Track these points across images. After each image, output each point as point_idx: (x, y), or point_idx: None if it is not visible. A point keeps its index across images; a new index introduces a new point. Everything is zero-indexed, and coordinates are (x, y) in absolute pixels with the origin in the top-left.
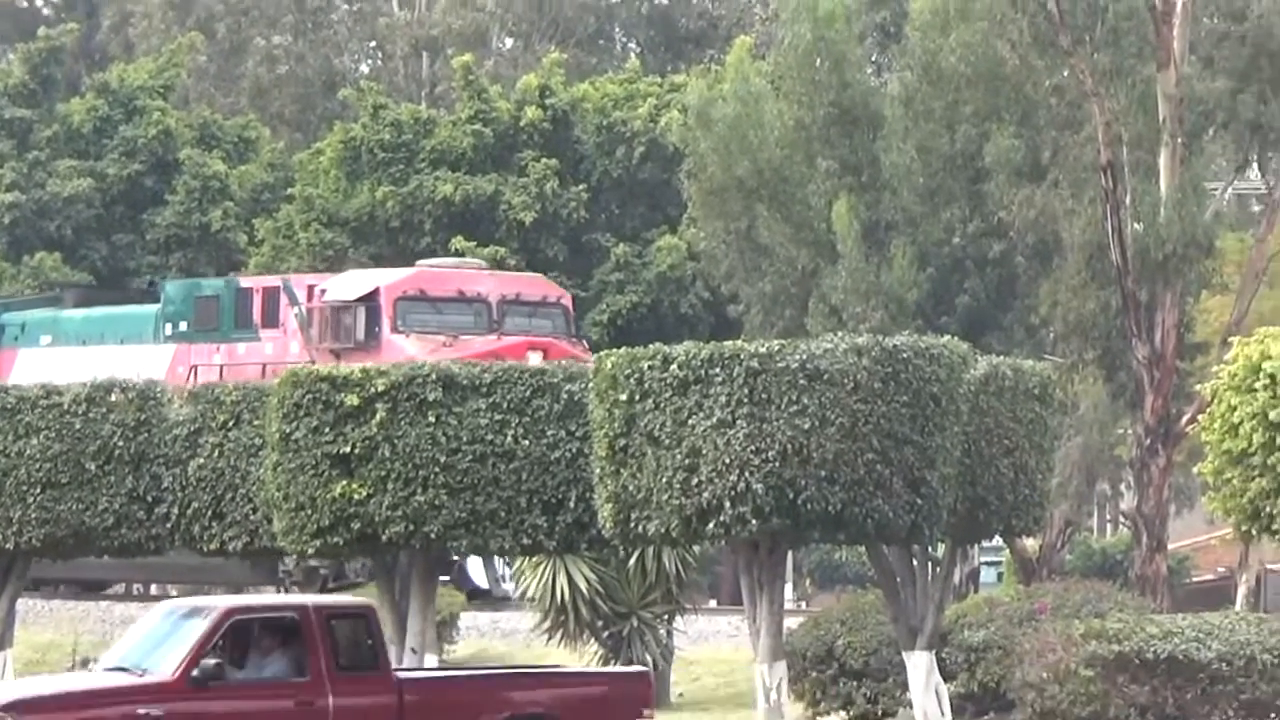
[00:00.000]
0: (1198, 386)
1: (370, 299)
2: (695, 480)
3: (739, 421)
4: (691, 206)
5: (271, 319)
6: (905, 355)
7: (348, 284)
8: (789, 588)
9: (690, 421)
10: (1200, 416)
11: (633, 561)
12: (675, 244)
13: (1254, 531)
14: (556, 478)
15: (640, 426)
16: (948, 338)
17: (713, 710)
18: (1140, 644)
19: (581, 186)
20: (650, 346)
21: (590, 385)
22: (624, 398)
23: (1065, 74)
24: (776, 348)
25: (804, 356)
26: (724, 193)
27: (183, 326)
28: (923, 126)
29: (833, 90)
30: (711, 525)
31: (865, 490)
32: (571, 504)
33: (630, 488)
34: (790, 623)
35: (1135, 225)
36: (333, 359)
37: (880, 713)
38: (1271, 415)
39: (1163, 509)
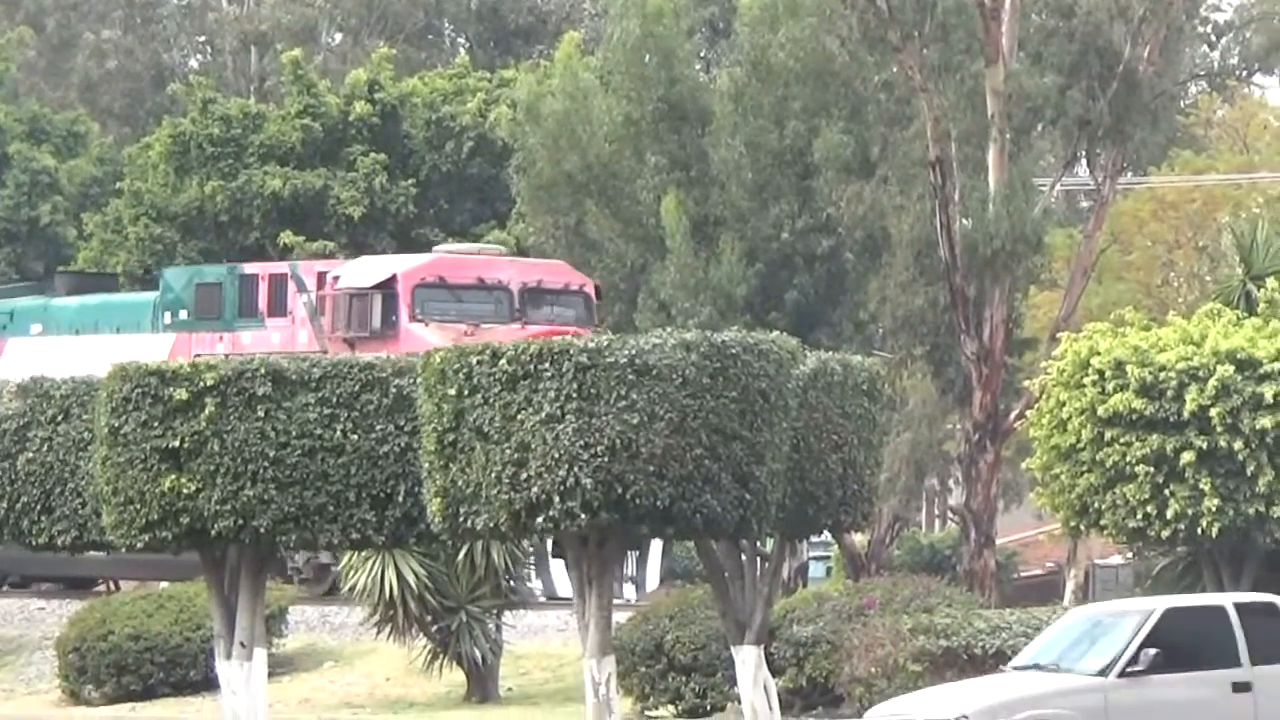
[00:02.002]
0: (1026, 382)
1: (387, 286)
2: (524, 475)
3: (568, 416)
4: (520, 201)
5: (279, 307)
6: (734, 351)
7: (363, 270)
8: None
9: (519, 416)
10: (1029, 412)
11: (461, 556)
12: (504, 239)
13: (1082, 526)
14: (385, 472)
15: (469, 421)
16: (776, 333)
17: (542, 705)
18: (968, 639)
19: (410, 181)
20: (479, 341)
21: (419, 380)
22: (453, 392)
23: (894, 70)
24: (605, 343)
25: (633, 352)
26: (553, 188)
27: (183, 315)
28: (751, 122)
29: (661, 86)
30: (540, 520)
31: (694, 485)
32: (400, 498)
33: (459, 482)
34: (619, 617)
35: (964, 221)
36: (346, 349)
37: (709, 707)
38: (1100, 411)
39: (991, 504)
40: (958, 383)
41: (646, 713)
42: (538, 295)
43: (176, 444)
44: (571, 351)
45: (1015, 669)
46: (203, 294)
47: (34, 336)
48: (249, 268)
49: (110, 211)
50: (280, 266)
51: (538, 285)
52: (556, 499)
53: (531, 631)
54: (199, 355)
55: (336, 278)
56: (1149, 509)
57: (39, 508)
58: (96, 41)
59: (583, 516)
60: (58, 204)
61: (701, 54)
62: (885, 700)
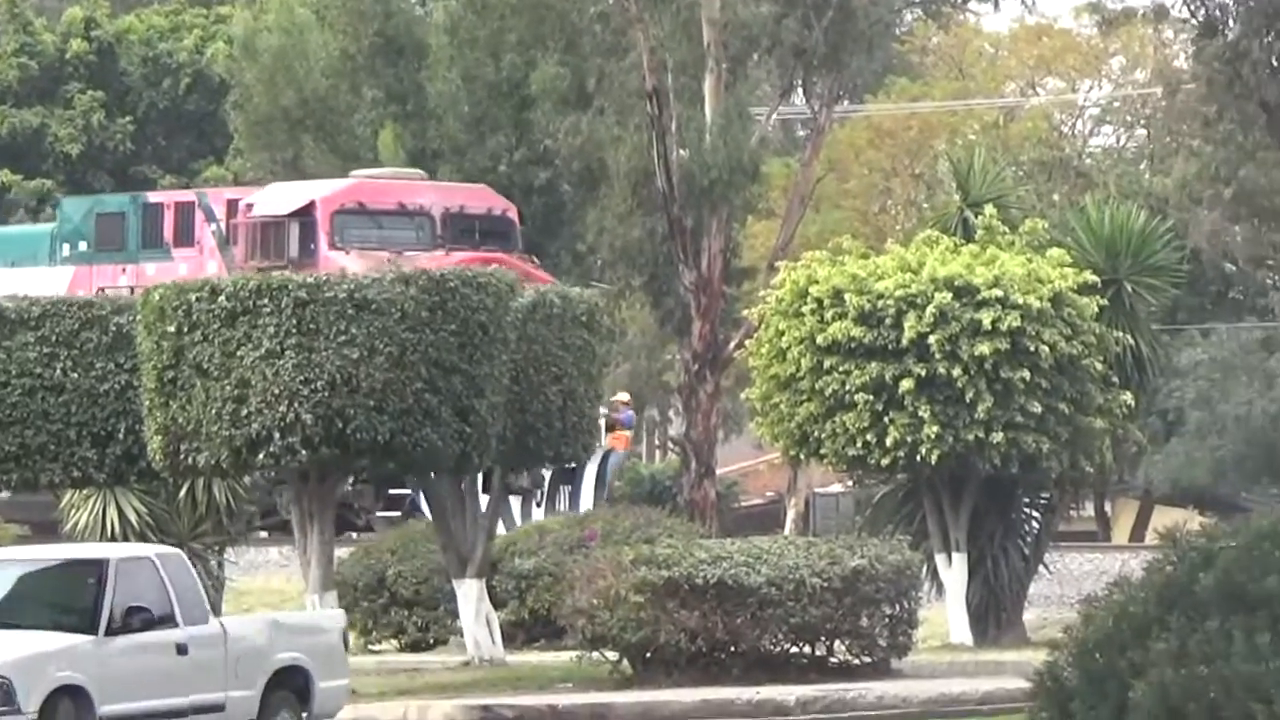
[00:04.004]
0: (745, 312)
1: (305, 213)
2: (244, 411)
3: (287, 352)
4: (238, 137)
5: (185, 237)
6: (453, 284)
7: (278, 197)
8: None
9: (239, 353)
10: (748, 342)
11: (183, 493)
12: (222, 174)
13: (802, 455)
14: (106, 410)
15: (189, 358)
16: (494, 266)
17: None
18: (689, 569)
19: (128, 118)
20: (198, 278)
21: (138, 317)
22: (172, 329)
23: (610, 1)
24: (324, 277)
25: (351, 286)
26: (270, 123)
27: (82, 246)
28: (468, 55)
29: (377, 20)
30: (261, 456)
31: (414, 419)
32: (121, 436)
33: (179, 419)
34: (341, 552)
35: (681, 151)
36: None
37: (431, 641)
38: (819, 339)
39: (711, 434)
40: (677, 313)
41: (370, 647)
42: (460, 220)
43: None
44: (290, 287)
45: None
46: (103, 224)
47: None
48: (154, 196)
49: None
50: (187, 195)
51: (460, 210)
52: (277, 435)
53: (254, 567)
54: (101, 288)
55: (250, 205)
56: (868, 437)
57: None
58: None
59: (303, 452)
60: None
61: None
62: None
